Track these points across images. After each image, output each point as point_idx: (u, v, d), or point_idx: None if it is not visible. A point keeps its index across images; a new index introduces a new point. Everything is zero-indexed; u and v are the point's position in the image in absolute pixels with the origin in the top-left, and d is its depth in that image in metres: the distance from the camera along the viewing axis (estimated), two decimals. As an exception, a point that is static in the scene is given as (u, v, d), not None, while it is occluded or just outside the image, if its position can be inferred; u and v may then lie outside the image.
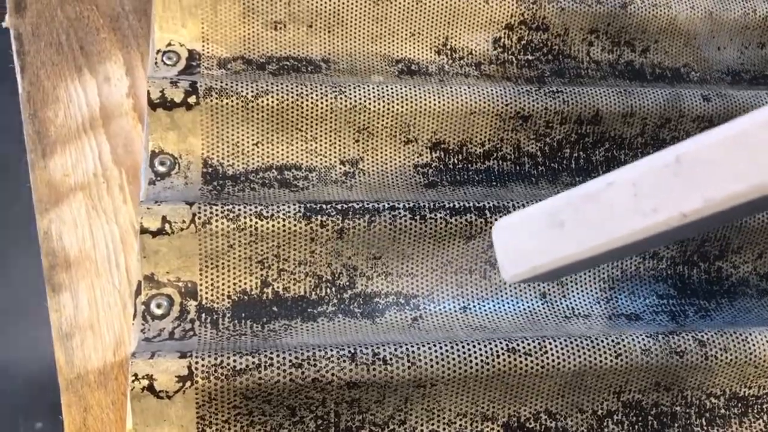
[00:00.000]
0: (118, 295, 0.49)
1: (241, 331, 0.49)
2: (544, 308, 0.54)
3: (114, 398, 0.47)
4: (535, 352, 0.48)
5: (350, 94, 0.55)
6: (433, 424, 0.48)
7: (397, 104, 0.56)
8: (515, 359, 0.47)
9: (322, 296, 0.51)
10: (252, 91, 0.54)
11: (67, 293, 0.48)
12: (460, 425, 0.49)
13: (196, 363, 0.44)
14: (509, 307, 0.53)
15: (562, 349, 0.48)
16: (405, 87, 0.56)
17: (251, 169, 0.55)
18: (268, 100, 0.54)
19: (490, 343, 0.48)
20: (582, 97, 0.59)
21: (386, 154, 0.57)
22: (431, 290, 0.53)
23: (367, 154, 0.57)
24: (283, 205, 0.50)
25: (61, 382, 0.46)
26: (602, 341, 0.49)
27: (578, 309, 0.54)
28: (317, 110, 0.55)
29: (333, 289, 0.52)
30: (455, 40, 0.62)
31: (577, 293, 0.54)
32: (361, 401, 0.47)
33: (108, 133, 0.51)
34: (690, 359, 0.50)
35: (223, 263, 0.50)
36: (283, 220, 0.50)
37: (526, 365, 0.48)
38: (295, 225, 0.50)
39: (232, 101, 0.53)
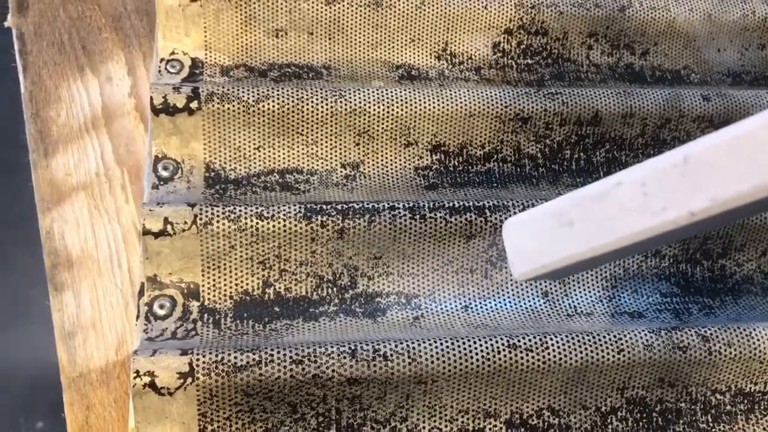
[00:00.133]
0: (120, 295, 0.50)
1: (242, 330, 0.49)
2: (546, 307, 0.53)
3: (116, 396, 0.48)
4: (537, 348, 0.48)
5: (350, 97, 0.56)
6: (434, 421, 0.48)
7: (397, 107, 0.57)
8: (516, 355, 0.47)
9: (324, 296, 0.52)
10: (253, 96, 0.55)
11: (70, 292, 0.49)
12: (462, 422, 0.48)
13: (197, 359, 0.45)
14: (511, 306, 0.53)
15: (563, 344, 0.48)
16: (405, 90, 0.57)
17: (253, 173, 0.55)
18: (269, 104, 0.55)
19: (490, 339, 0.48)
20: (581, 99, 0.59)
21: (387, 157, 0.57)
22: (432, 290, 0.53)
23: (368, 157, 0.57)
24: (284, 205, 0.51)
25: (63, 380, 0.47)
26: (604, 337, 0.49)
27: (580, 307, 0.54)
28: (318, 114, 0.56)
29: (334, 289, 0.52)
30: (455, 46, 0.62)
31: (580, 292, 0.54)
32: (362, 398, 0.47)
33: (110, 133, 0.51)
34: (693, 354, 0.50)
35: (224, 264, 0.51)
36: (284, 220, 0.50)
37: (528, 361, 0.47)
38: (295, 225, 0.51)
39: (233, 106, 0.54)
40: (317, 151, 0.56)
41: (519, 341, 0.48)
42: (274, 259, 0.51)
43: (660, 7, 0.65)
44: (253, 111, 0.55)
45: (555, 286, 0.54)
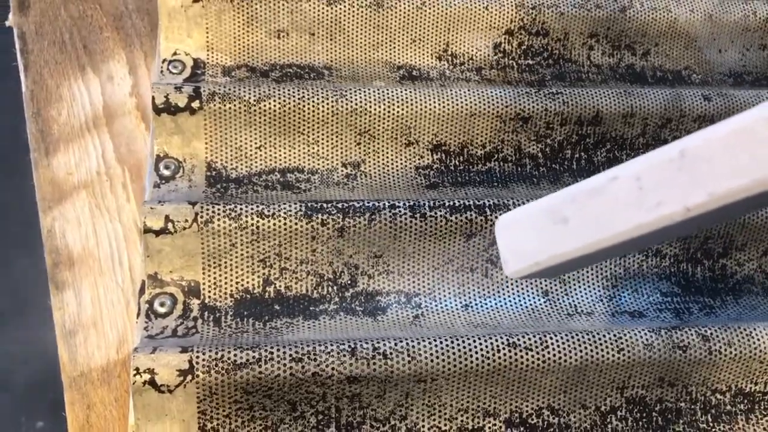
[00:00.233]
0: (121, 293, 0.50)
1: (243, 328, 0.49)
2: (546, 306, 0.53)
3: (117, 395, 0.48)
4: (536, 347, 0.48)
5: (351, 97, 0.56)
6: (434, 420, 0.48)
7: (398, 107, 0.57)
8: (516, 354, 0.47)
9: (324, 294, 0.52)
10: (254, 96, 0.55)
11: (71, 291, 0.49)
12: (462, 421, 0.48)
13: (197, 357, 0.45)
14: (511, 305, 0.53)
15: (563, 343, 0.48)
16: (406, 90, 0.57)
17: (254, 172, 0.55)
18: (270, 104, 0.55)
19: (490, 338, 0.48)
20: (582, 98, 0.59)
21: (388, 157, 0.58)
22: (433, 288, 0.53)
23: (369, 157, 0.57)
24: (285, 204, 0.51)
25: (64, 379, 0.47)
26: (604, 336, 0.49)
27: (581, 307, 0.54)
28: (319, 114, 0.56)
29: (334, 287, 0.52)
30: (456, 46, 0.63)
31: (580, 291, 0.54)
32: (361, 396, 0.47)
33: (111, 132, 0.52)
34: (693, 354, 0.50)
35: (225, 262, 0.51)
36: (284, 218, 0.51)
37: (527, 360, 0.48)
38: (296, 223, 0.51)
39: (234, 105, 0.55)
40: (318, 150, 0.57)
41: (519, 340, 0.48)
42: (274, 258, 0.51)
43: (661, 7, 0.65)
44: (255, 110, 0.55)
45: (555, 285, 0.54)
